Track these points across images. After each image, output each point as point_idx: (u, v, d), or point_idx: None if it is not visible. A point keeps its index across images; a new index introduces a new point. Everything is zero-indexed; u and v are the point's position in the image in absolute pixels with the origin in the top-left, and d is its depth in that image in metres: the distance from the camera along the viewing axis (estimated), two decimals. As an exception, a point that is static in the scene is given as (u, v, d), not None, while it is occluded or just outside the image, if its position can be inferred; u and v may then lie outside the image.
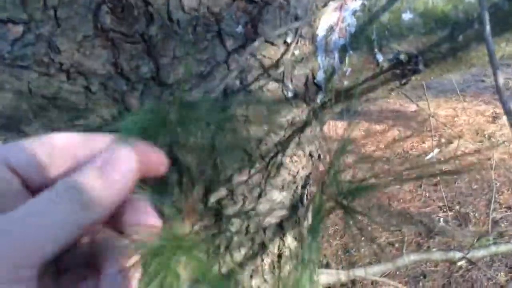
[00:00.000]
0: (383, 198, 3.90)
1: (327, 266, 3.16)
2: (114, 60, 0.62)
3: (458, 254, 1.37)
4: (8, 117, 0.59)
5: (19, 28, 0.57)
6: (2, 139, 0.59)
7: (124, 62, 0.62)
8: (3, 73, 0.57)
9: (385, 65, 0.75)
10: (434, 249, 2.96)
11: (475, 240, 2.62)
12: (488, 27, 0.55)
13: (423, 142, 4.64)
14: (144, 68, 0.64)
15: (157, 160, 0.38)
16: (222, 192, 0.76)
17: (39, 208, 0.31)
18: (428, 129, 4.79)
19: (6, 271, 0.29)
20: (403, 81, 0.75)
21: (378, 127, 5.18)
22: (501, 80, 0.53)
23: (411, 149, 4.65)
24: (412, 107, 5.23)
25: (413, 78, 0.76)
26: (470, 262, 2.76)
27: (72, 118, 0.62)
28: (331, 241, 3.45)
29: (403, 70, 0.74)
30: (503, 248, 1.41)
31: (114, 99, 0.63)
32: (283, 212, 0.87)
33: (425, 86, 2.35)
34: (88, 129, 0.62)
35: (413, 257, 1.46)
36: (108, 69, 0.62)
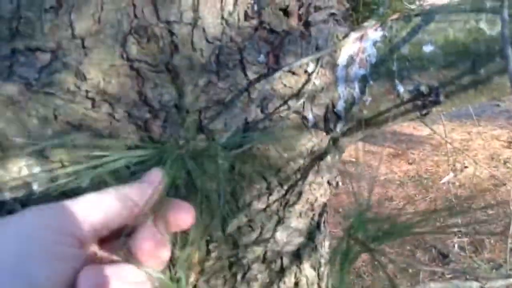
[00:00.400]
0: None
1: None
2: (139, 88, 0.63)
3: (476, 285, 1.34)
4: (33, 143, 0.60)
5: (47, 56, 0.59)
6: (26, 164, 0.60)
7: (148, 91, 0.63)
8: (30, 100, 0.59)
9: (406, 96, 0.75)
10: (448, 275, 2.91)
11: (493, 270, 2.57)
12: (511, 61, 0.55)
13: (438, 166, 4.60)
14: (167, 96, 0.65)
15: (186, 215, 0.46)
16: (241, 220, 0.76)
17: None
18: (443, 153, 4.76)
19: None
20: (424, 112, 0.75)
21: (392, 150, 5.15)
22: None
23: (425, 172, 4.61)
24: (426, 131, 5.20)
25: (433, 109, 0.76)
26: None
27: (95, 144, 0.62)
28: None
29: (424, 101, 0.74)
30: (522, 278, 1.38)
31: (137, 126, 0.64)
32: (301, 240, 0.86)
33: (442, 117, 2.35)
34: (110, 156, 0.63)
35: (433, 285, 1.44)
36: (132, 97, 0.63)
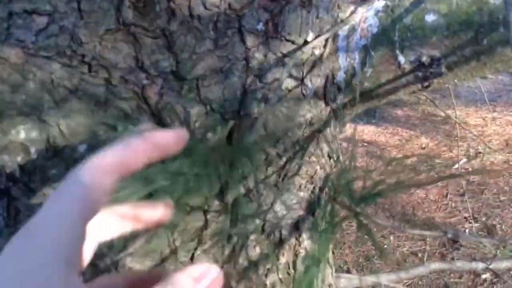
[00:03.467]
0: (407, 207, 3.84)
1: (348, 272, 3.12)
2: (135, 54, 0.63)
3: (481, 265, 1.33)
4: (32, 107, 0.61)
5: (44, 19, 0.59)
6: (24, 128, 0.61)
7: (144, 56, 0.63)
8: (27, 63, 0.59)
9: (407, 67, 0.74)
10: (458, 260, 2.90)
11: (498, 249, 2.56)
12: (514, 30, 0.54)
13: (451, 151, 4.55)
14: (164, 63, 0.65)
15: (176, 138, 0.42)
16: (239, 190, 0.76)
17: None
18: (456, 138, 4.70)
19: None
20: (425, 84, 0.74)
21: (405, 134, 5.11)
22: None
23: (438, 157, 4.57)
24: (441, 115, 5.14)
25: (435, 81, 0.74)
26: (495, 274, 2.69)
27: (93, 110, 0.63)
28: (353, 247, 3.41)
29: (425, 72, 0.72)
30: (528, 260, 1.37)
31: (134, 92, 0.64)
32: (300, 213, 0.86)
33: (453, 94, 2.31)
34: (107, 122, 0.63)
35: (434, 265, 1.43)
36: (128, 62, 0.63)
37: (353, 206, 0.51)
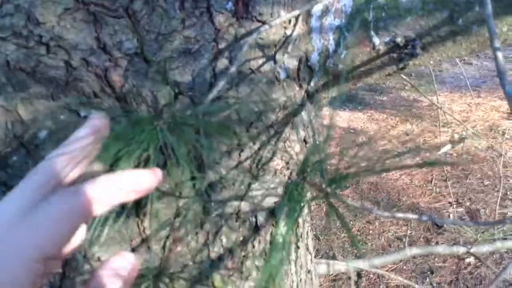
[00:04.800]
0: (392, 193, 3.86)
1: (333, 258, 3.13)
2: (96, 34, 0.60)
3: (462, 249, 1.33)
4: (-13, 91, 0.58)
5: (-3, -1, 0.56)
6: (-20, 113, 0.58)
7: (106, 37, 0.61)
8: (-19, 45, 0.56)
9: (382, 48, 0.72)
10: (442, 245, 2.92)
11: (479, 234, 2.58)
12: (490, 8, 0.52)
13: (436, 137, 4.58)
14: (127, 44, 0.62)
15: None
16: (210, 176, 0.74)
17: None
18: (441, 124, 4.73)
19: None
20: (400, 65, 0.72)
21: (391, 120, 5.12)
22: (501, 62, 0.50)
23: (424, 143, 4.60)
24: (426, 102, 5.16)
25: (411, 63, 0.73)
26: (479, 259, 2.72)
27: (53, 94, 0.60)
28: (338, 233, 3.42)
29: (400, 54, 0.71)
30: (509, 244, 1.38)
31: (96, 75, 0.62)
32: (276, 199, 0.85)
33: (435, 81, 2.30)
34: (69, 106, 0.61)
35: (416, 250, 1.43)
36: (90, 43, 0.60)
37: (324, 186, 0.49)
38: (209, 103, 0.65)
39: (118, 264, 0.44)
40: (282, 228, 0.88)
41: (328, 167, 0.55)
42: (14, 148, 0.61)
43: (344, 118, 5.08)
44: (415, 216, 0.51)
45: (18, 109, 0.59)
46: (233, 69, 0.65)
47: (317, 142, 0.48)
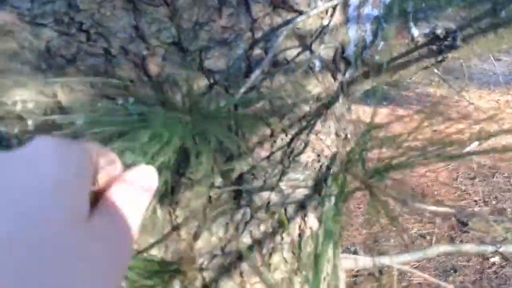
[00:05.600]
0: (417, 190, 3.81)
1: (355, 254, 3.11)
2: (135, 23, 0.60)
3: (490, 248, 1.31)
4: (28, 77, 0.59)
5: (40, -15, 0.56)
6: (21, 99, 0.59)
7: (145, 26, 0.61)
8: (23, 30, 0.57)
9: (421, 40, 0.70)
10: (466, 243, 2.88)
11: (509, 232, 2.53)
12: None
13: (463, 134, 4.49)
14: (165, 33, 0.62)
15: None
16: (242, 166, 0.74)
17: None
18: (469, 121, 4.64)
19: None
20: (439, 58, 0.71)
21: (417, 116, 5.04)
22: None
23: (450, 140, 4.50)
24: (454, 98, 5.07)
25: (450, 55, 0.71)
26: (504, 258, 2.67)
27: (91, 81, 0.61)
28: (361, 229, 3.40)
29: (439, 46, 0.69)
30: (539, 244, 1.34)
31: (134, 63, 0.62)
32: (306, 191, 0.84)
33: (466, 76, 2.26)
34: (106, 94, 0.61)
35: (443, 248, 1.41)
36: (129, 32, 0.61)
37: (366, 178, 0.48)
38: (242, 94, 0.65)
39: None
40: (312, 221, 0.88)
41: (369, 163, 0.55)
42: (52, 134, 0.62)
43: (368, 113, 5.03)
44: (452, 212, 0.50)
45: (58, 95, 0.60)
46: (268, 59, 0.65)
47: (363, 136, 0.47)
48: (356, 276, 2.95)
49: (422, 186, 3.82)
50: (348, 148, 0.54)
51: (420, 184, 3.82)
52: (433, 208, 0.47)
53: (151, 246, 0.74)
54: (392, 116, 5.06)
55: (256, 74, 0.63)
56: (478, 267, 2.90)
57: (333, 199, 0.95)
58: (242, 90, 0.63)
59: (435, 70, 1.29)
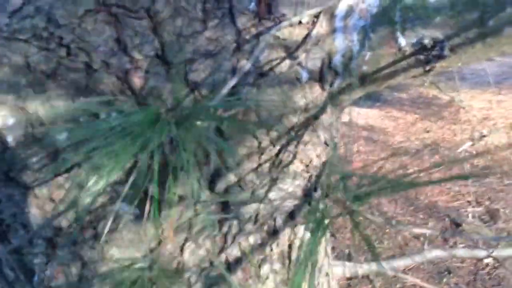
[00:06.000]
0: (410, 191, 3.81)
1: (349, 257, 3.11)
2: (117, 36, 0.59)
3: (483, 253, 1.30)
4: (8, 93, 0.58)
5: (18, 0, 0.55)
6: (0, 115, 0.57)
7: (127, 39, 0.60)
8: (1, 46, 0.55)
9: (408, 49, 0.69)
10: (460, 245, 2.88)
11: (500, 239, 2.53)
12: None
13: (455, 135, 4.51)
14: (148, 46, 0.61)
15: None
16: (229, 178, 0.73)
17: None
18: (462, 121, 4.66)
19: None
20: (427, 67, 0.70)
21: (410, 117, 5.06)
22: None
23: (442, 141, 4.53)
24: (446, 98, 5.08)
25: (438, 65, 0.70)
26: (497, 260, 2.67)
27: (73, 96, 0.59)
28: (354, 232, 3.38)
29: (427, 56, 0.68)
30: (532, 248, 1.34)
31: (116, 77, 0.61)
32: (295, 202, 0.83)
33: (457, 77, 2.26)
34: (88, 108, 0.60)
35: (436, 252, 1.41)
36: (110, 45, 0.59)
37: (348, 203, 0.47)
38: (221, 99, 0.64)
39: None
40: (301, 231, 0.87)
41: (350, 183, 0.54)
42: (34, 151, 0.61)
43: (362, 114, 5.03)
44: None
45: (38, 111, 0.59)
46: (248, 66, 0.64)
47: (339, 158, 0.46)
48: (350, 278, 2.95)
49: (416, 188, 3.82)
50: (323, 159, 0.54)
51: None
52: (416, 230, 0.46)
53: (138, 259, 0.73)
54: (385, 117, 5.07)
55: (234, 80, 0.61)
56: (472, 268, 2.91)
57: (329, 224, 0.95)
58: (220, 95, 0.61)
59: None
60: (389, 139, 4.56)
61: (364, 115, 5.02)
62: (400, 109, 5.28)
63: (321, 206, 0.47)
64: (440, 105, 5.25)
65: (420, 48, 0.68)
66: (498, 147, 4.11)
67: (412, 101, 5.51)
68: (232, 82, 0.57)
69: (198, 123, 0.57)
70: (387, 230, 3.37)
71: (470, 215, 3.54)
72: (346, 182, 0.47)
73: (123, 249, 0.70)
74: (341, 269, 1.30)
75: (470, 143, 4.25)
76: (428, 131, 4.74)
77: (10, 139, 0.59)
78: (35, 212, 0.64)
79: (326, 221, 0.47)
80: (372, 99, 5.32)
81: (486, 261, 2.87)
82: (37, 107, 0.59)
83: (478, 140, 4.28)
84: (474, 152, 4.22)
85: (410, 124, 4.97)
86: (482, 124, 4.42)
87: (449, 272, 2.93)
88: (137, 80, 0.61)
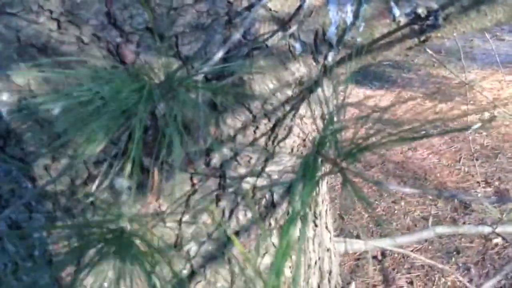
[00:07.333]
0: (419, 172, 3.80)
1: (358, 238, 3.12)
2: (107, 9, 0.59)
3: (488, 228, 1.30)
4: None
5: (7, -26, 0.55)
6: (-7, 90, 0.58)
7: (117, 12, 0.60)
8: (-8, 21, 0.56)
9: (402, 20, 0.69)
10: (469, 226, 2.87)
11: (504, 214, 2.52)
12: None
13: (465, 115, 4.46)
14: (138, 19, 0.61)
15: None
16: (225, 153, 0.73)
17: None
18: (471, 102, 4.61)
19: None
20: (422, 38, 0.69)
21: (419, 98, 5.01)
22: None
23: (452, 122, 4.48)
24: (456, 79, 5.02)
25: (433, 35, 0.69)
26: (505, 239, 2.66)
27: (65, 69, 0.60)
28: (363, 213, 3.40)
29: (421, 25, 0.67)
30: (537, 224, 1.33)
31: (108, 51, 0.61)
32: (292, 176, 0.83)
33: (463, 57, 2.23)
34: (81, 82, 0.60)
35: (441, 229, 1.41)
36: (100, 19, 0.59)
37: (340, 160, 0.47)
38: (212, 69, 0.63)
39: None
40: (297, 204, 0.87)
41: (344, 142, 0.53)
42: (29, 125, 0.62)
43: (370, 96, 4.99)
44: (416, 191, 0.49)
45: (31, 85, 0.59)
46: (238, 35, 0.64)
47: (332, 115, 0.46)
48: (358, 259, 2.96)
49: (425, 169, 3.81)
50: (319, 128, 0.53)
51: (422, 167, 3.81)
52: (408, 189, 0.46)
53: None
54: (393, 99, 5.03)
55: (221, 51, 0.61)
56: (481, 248, 2.90)
57: (324, 185, 0.95)
58: (208, 65, 0.61)
59: (430, 52, 1.27)
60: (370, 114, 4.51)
61: (372, 96, 4.98)
62: (410, 90, 5.23)
63: (312, 163, 0.47)
64: (450, 86, 5.20)
65: (414, 17, 0.67)
66: (508, 128, 4.07)
67: (422, 82, 5.45)
68: (222, 52, 0.57)
69: (188, 93, 0.56)
70: (395, 212, 3.37)
71: (479, 195, 3.52)
72: (338, 137, 0.47)
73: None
74: (344, 246, 1.31)
75: (480, 124, 4.21)
76: (437, 112, 4.70)
77: (4, 113, 0.60)
78: (33, 186, 0.65)
79: (318, 174, 0.47)
80: (380, 80, 5.27)
81: (495, 241, 2.86)
82: (30, 81, 0.59)
83: (488, 120, 4.23)
84: (484, 133, 4.18)
85: (419, 105, 4.93)
86: (493, 104, 4.36)
87: (458, 252, 2.92)
88: (128, 54, 0.62)
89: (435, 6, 0.66)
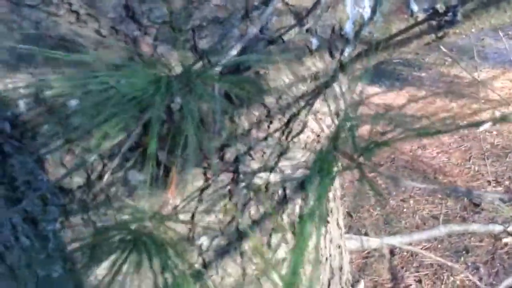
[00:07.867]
0: (429, 171, 3.78)
1: (366, 236, 3.10)
2: (125, 2, 0.60)
3: (498, 227, 1.29)
4: (18, 59, 0.58)
5: (27, -34, 0.56)
6: (11, 81, 0.58)
7: (135, 5, 0.60)
8: (11, 13, 0.56)
9: (420, 15, 0.68)
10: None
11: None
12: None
13: (476, 115, 4.42)
14: (156, 12, 0.61)
15: None
16: (238, 147, 0.73)
17: None
18: (483, 101, 4.57)
19: None
20: (440, 34, 0.69)
21: (430, 97, 4.98)
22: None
23: (463, 120, 4.44)
24: (467, 77, 4.98)
25: (451, 31, 0.69)
26: (516, 239, 2.64)
27: (83, 62, 0.60)
28: (372, 211, 3.39)
29: (439, 21, 0.67)
30: (549, 225, 1.32)
31: (125, 43, 0.61)
32: (306, 172, 0.83)
33: (476, 56, 2.21)
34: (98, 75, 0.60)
35: (451, 227, 1.40)
36: (119, 12, 0.60)
37: (356, 155, 0.47)
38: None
39: None
40: (312, 201, 0.87)
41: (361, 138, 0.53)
42: (46, 117, 0.62)
43: (380, 94, 4.97)
44: (429, 187, 0.48)
45: (49, 78, 0.60)
46: (254, 30, 0.63)
47: (348, 111, 0.46)
48: (367, 257, 2.95)
49: (434, 168, 3.79)
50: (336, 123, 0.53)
51: (432, 165, 3.79)
52: (423, 185, 0.46)
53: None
54: (403, 97, 5.00)
55: (238, 46, 0.61)
56: (491, 247, 2.88)
57: (337, 182, 0.95)
58: (225, 60, 0.61)
59: (443, 49, 1.26)
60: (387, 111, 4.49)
61: (383, 95, 4.96)
62: (420, 88, 5.20)
63: (328, 158, 0.47)
64: (461, 85, 5.16)
65: (433, 13, 0.67)
66: (520, 126, 4.03)
67: (432, 80, 5.41)
68: (239, 46, 0.57)
69: (204, 86, 0.56)
70: (404, 210, 3.36)
71: (489, 194, 3.49)
72: (355, 132, 0.47)
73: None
74: (355, 243, 1.31)
75: (491, 123, 4.17)
76: (447, 110, 4.66)
77: (22, 105, 0.60)
78: (48, 179, 0.65)
79: (335, 170, 0.46)
80: (391, 79, 5.25)
81: (505, 240, 2.84)
82: (48, 74, 0.59)
83: (499, 120, 4.19)
84: (495, 132, 4.15)
85: (429, 104, 4.90)
86: (504, 103, 4.32)
87: (467, 251, 2.91)
88: (145, 47, 0.62)
89: (453, 1, 0.66)
